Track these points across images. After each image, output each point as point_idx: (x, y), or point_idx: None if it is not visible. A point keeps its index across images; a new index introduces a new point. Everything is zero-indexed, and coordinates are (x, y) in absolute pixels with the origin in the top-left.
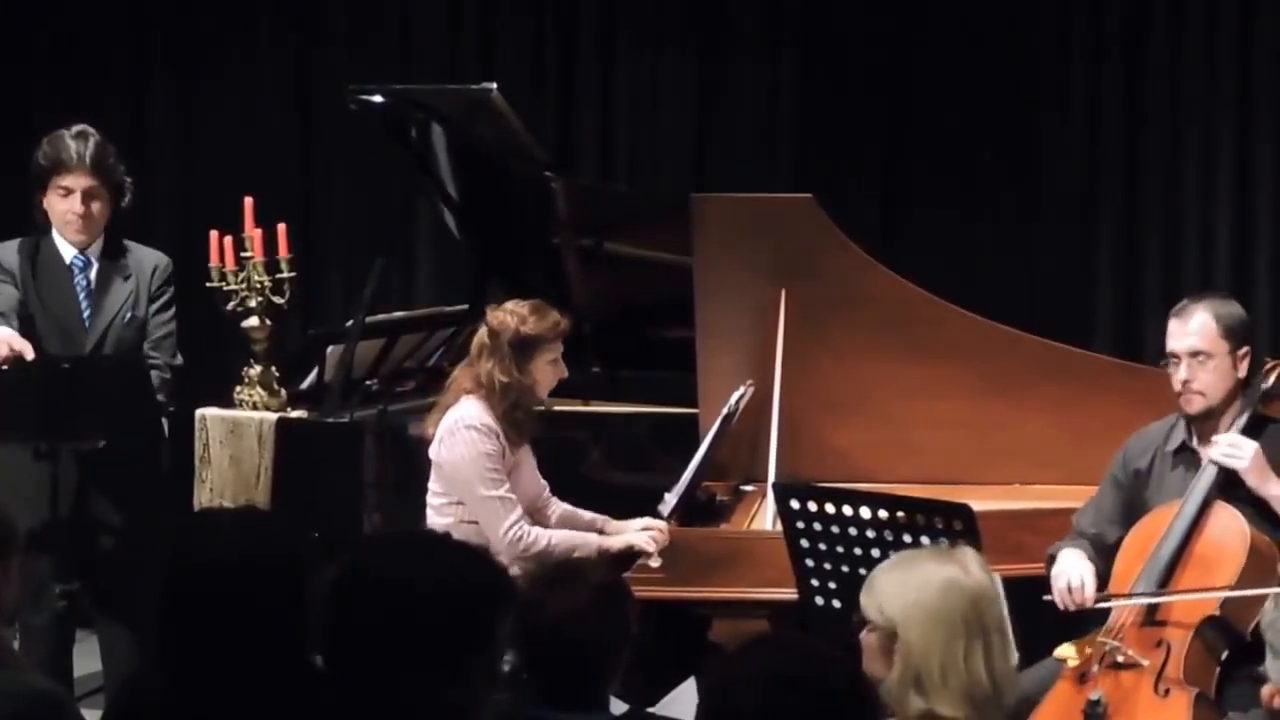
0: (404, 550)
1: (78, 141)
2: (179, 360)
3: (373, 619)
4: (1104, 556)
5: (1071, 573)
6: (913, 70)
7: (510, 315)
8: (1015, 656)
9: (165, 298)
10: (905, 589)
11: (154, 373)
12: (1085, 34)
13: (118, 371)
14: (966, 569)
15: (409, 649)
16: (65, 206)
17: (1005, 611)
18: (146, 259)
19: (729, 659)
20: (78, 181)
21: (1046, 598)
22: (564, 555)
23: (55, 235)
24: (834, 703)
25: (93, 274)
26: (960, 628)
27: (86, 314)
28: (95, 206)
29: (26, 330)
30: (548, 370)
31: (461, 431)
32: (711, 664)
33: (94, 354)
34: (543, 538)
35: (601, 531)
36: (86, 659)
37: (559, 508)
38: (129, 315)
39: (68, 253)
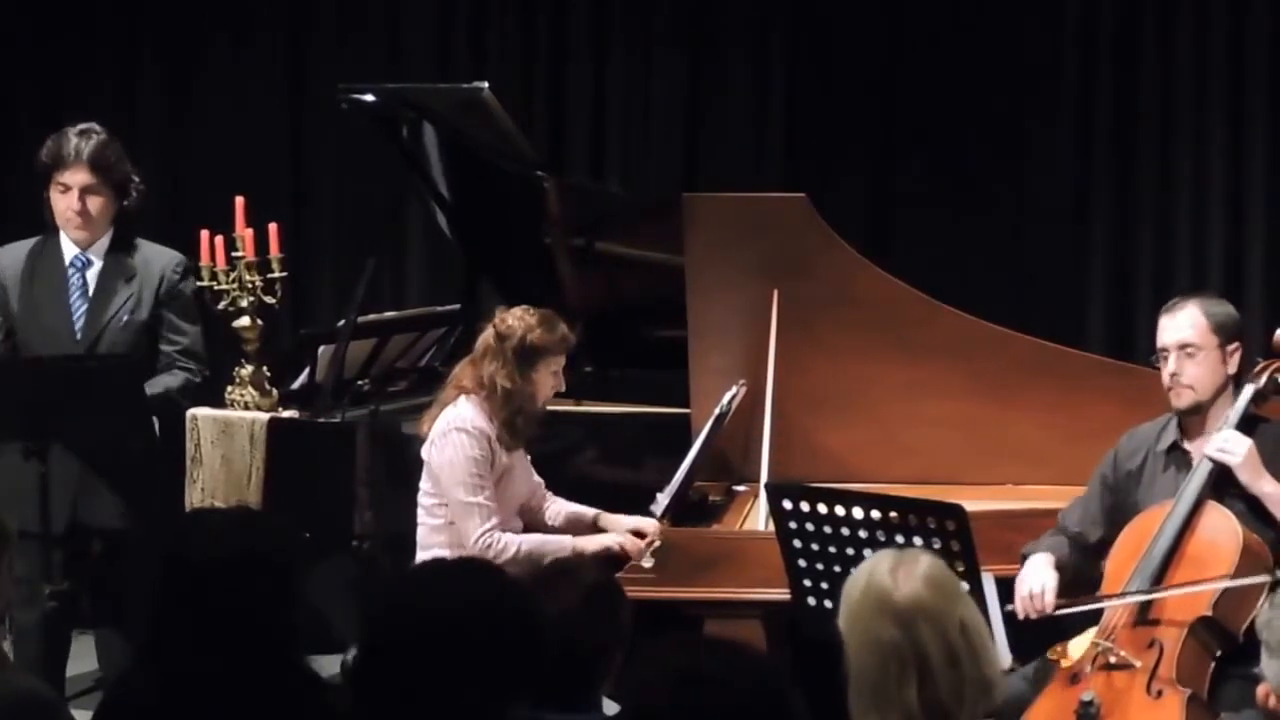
0: (449, 583)
1: (79, 139)
2: (207, 374)
3: (411, 654)
4: (1084, 556)
5: (1032, 580)
6: (903, 70)
7: (519, 321)
8: (988, 670)
9: (182, 302)
10: (848, 602)
11: (184, 374)
12: (1077, 32)
13: (108, 371)
14: (898, 586)
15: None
16: (64, 204)
17: (961, 627)
18: (155, 260)
19: (645, 659)
20: (74, 178)
21: (1008, 607)
22: (532, 562)
23: (61, 235)
24: (747, 702)
25: (91, 274)
26: (890, 652)
27: (79, 314)
28: (93, 203)
29: (18, 331)
30: (548, 380)
31: (452, 434)
32: (630, 665)
33: (85, 354)
34: (512, 545)
35: (595, 522)
36: (81, 659)
37: (556, 506)
38: (126, 319)
39: (69, 251)
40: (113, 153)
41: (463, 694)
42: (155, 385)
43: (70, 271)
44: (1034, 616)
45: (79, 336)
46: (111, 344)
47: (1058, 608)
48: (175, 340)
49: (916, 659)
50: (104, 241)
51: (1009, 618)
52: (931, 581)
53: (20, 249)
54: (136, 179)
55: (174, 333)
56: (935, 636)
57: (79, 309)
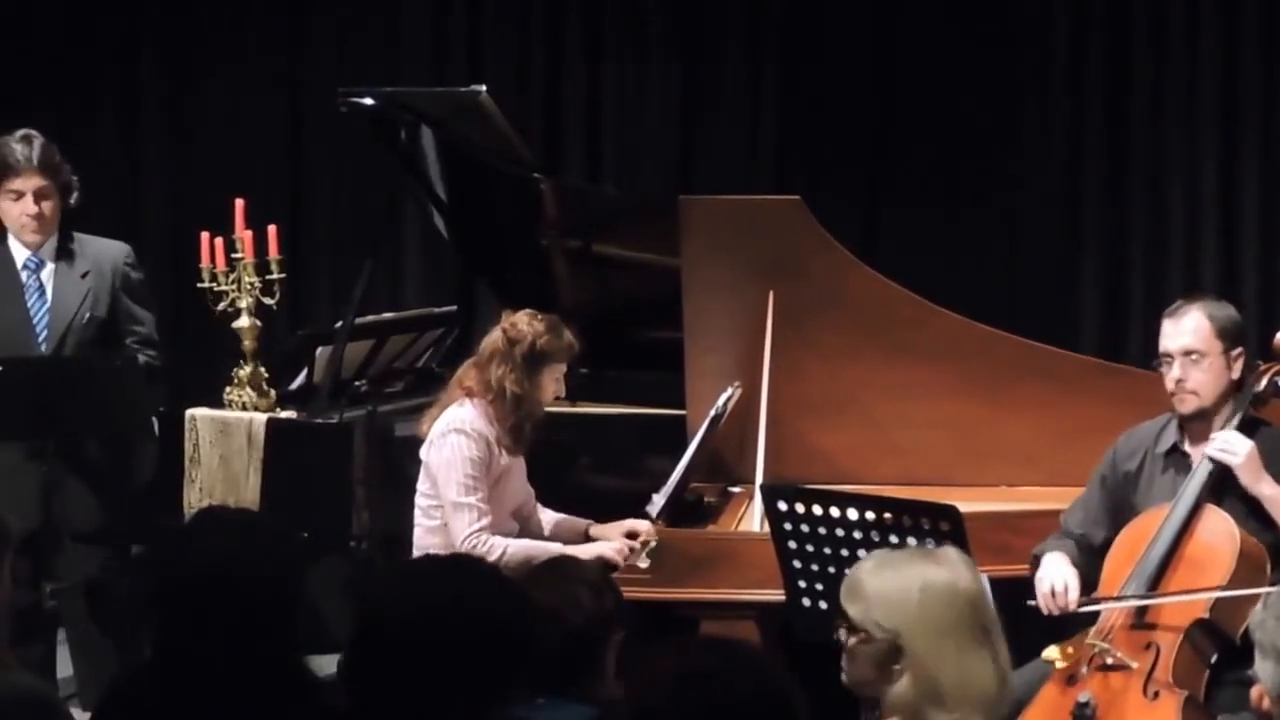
0: (437, 581)
1: (23, 145)
2: (161, 360)
3: (401, 648)
4: (1090, 557)
5: (1055, 577)
6: (895, 72)
7: (528, 326)
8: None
9: (137, 291)
10: (906, 600)
11: (146, 361)
12: (1068, 34)
13: (109, 371)
14: (959, 572)
15: (436, 685)
16: (19, 209)
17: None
18: (104, 255)
19: (646, 658)
20: (28, 183)
21: (1030, 603)
22: (518, 565)
23: (10, 240)
24: (749, 702)
25: (45, 274)
26: (969, 636)
27: (37, 315)
28: (46, 206)
29: None
30: (550, 387)
31: (451, 435)
32: (632, 665)
33: (84, 354)
34: (498, 546)
35: (587, 533)
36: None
37: (547, 515)
38: (88, 316)
39: (20, 255)
40: (56, 154)
41: (453, 688)
42: None
43: (24, 274)
44: (1056, 614)
45: (41, 338)
46: (77, 342)
47: (1081, 604)
48: (134, 330)
49: (987, 637)
50: (52, 242)
51: (1030, 613)
52: (974, 566)
53: None
54: (75, 178)
55: (133, 322)
56: (994, 614)
57: (39, 311)
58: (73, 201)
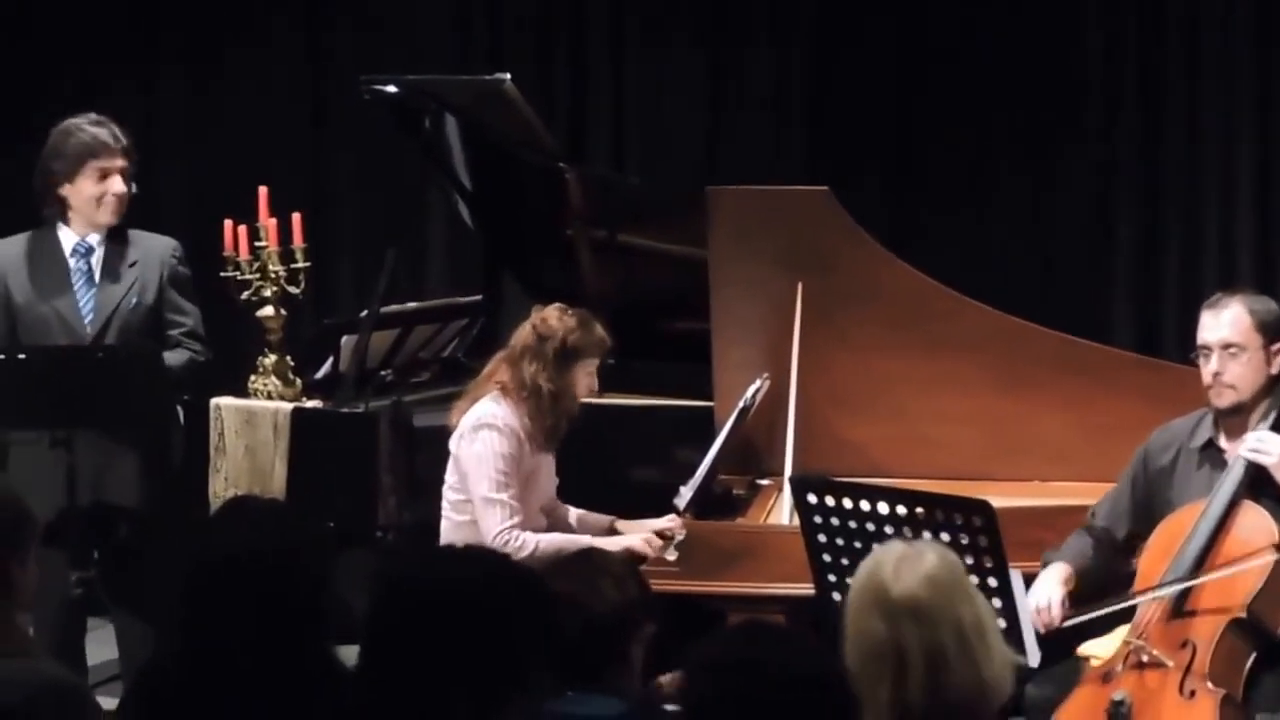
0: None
1: (106, 128)
2: (210, 355)
3: (414, 631)
4: (1112, 552)
5: (1039, 595)
6: (926, 61)
7: (559, 323)
8: (986, 672)
9: (183, 285)
10: (851, 591)
11: (189, 354)
12: (1102, 25)
13: (134, 360)
14: (896, 580)
15: (449, 662)
16: (100, 190)
17: (957, 628)
18: (154, 246)
19: (698, 647)
20: (115, 163)
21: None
22: (550, 560)
23: (60, 226)
24: (793, 689)
25: (94, 260)
26: (871, 648)
27: (84, 300)
28: (127, 185)
29: (23, 321)
30: (583, 382)
31: (483, 431)
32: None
33: (108, 343)
34: (530, 542)
35: (612, 530)
36: (101, 647)
37: (571, 512)
38: (134, 301)
39: (69, 241)
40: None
41: (467, 676)
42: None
43: (73, 259)
44: (1043, 631)
45: (88, 321)
46: (122, 327)
47: (1065, 618)
48: (179, 322)
49: (895, 658)
50: (103, 230)
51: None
52: (932, 581)
53: (15, 243)
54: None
55: (177, 314)
56: (920, 637)
57: (85, 294)
58: (133, 189)
